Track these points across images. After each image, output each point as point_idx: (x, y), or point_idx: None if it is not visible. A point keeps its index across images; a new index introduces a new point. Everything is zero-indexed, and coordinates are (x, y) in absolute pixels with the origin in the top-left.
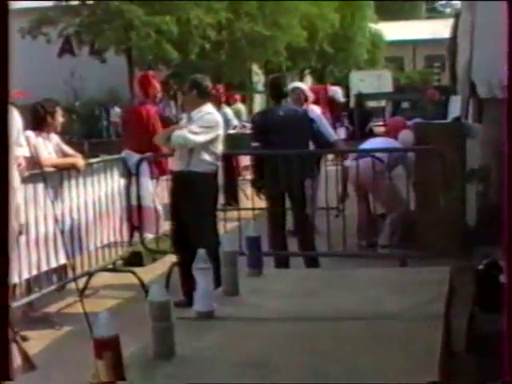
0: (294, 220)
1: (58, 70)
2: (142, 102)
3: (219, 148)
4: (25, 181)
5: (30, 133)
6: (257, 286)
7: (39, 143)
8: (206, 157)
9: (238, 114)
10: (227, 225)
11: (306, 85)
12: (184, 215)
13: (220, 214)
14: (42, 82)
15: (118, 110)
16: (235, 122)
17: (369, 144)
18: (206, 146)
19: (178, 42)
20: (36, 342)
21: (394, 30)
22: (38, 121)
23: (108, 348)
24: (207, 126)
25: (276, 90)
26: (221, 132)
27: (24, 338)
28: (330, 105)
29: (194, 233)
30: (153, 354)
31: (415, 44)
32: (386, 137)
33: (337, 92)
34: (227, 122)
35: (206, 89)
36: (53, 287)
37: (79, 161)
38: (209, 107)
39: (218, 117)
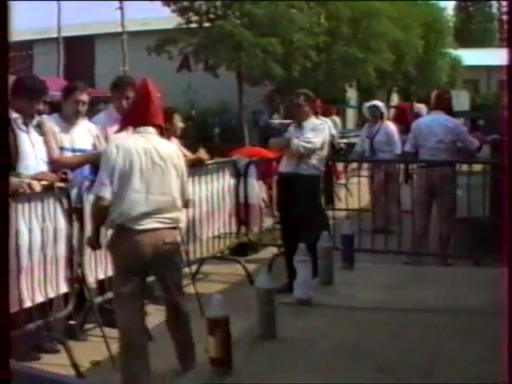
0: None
1: (177, 83)
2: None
3: (324, 153)
4: None
5: None
6: (349, 278)
7: None
8: (314, 161)
9: (334, 125)
10: None
11: (391, 103)
12: (290, 212)
13: None
14: (163, 93)
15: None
16: (333, 131)
17: None
18: (315, 152)
19: (282, 60)
20: (154, 317)
21: (470, 56)
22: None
23: (219, 326)
24: (318, 134)
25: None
26: (327, 139)
27: (145, 313)
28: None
29: (297, 228)
30: (257, 334)
31: (489, 69)
32: None
33: (421, 109)
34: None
35: (312, 101)
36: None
37: (203, 155)
38: (314, 118)
39: (325, 126)
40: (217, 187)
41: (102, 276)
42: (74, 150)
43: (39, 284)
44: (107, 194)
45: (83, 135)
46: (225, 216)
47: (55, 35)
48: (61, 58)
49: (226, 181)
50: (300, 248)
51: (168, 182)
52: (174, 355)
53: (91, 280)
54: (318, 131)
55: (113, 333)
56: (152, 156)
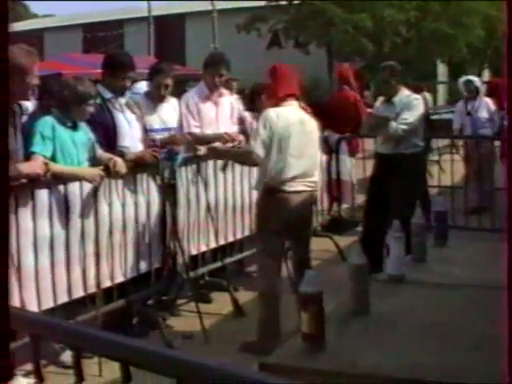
0: None
1: (267, 60)
2: (340, 90)
3: (422, 129)
4: None
5: (246, 113)
6: (442, 255)
7: (253, 123)
8: (414, 139)
9: (425, 102)
10: None
11: (483, 78)
12: (388, 191)
13: None
14: (253, 70)
15: None
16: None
17: None
18: (414, 129)
19: (373, 36)
20: (246, 293)
21: None
22: (250, 102)
23: (312, 302)
24: (414, 112)
25: None
26: (422, 114)
27: (235, 289)
28: None
29: (396, 206)
30: (350, 310)
31: None
32: None
33: None
34: None
35: (400, 74)
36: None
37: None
38: (405, 91)
39: (420, 102)
40: None
41: (194, 251)
42: (163, 130)
43: (132, 259)
44: (261, 153)
45: (170, 113)
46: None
47: (145, 14)
48: (151, 37)
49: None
50: (395, 224)
51: (314, 149)
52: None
53: (184, 256)
54: (414, 108)
55: (205, 307)
56: (303, 125)
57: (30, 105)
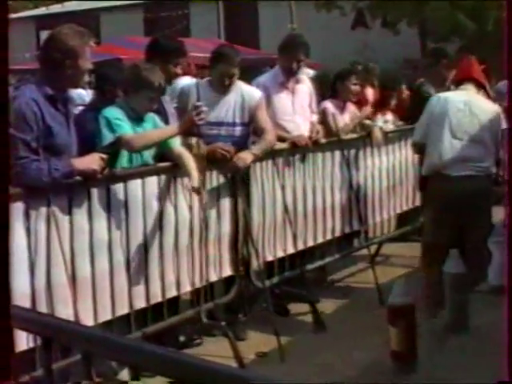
0: None
1: (351, 42)
2: None
3: None
4: (322, 148)
5: (328, 103)
6: None
7: (336, 114)
8: None
9: None
10: None
11: None
12: None
13: None
14: (336, 53)
15: None
16: None
17: None
18: None
19: (474, 13)
20: (328, 304)
21: None
22: (331, 89)
23: (402, 316)
24: None
25: None
26: None
27: (316, 300)
28: None
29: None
30: (445, 324)
31: None
32: None
33: None
34: None
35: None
36: (345, 252)
37: (376, 132)
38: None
39: None
40: (399, 158)
41: (270, 257)
42: (221, 124)
43: (200, 266)
44: (417, 138)
45: (235, 105)
46: (408, 191)
47: None
48: (221, 17)
49: (409, 150)
50: (496, 228)
51: (480, 133)
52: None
53: (258, 262)
54: None
55: (282, 321)
56: (470, 107)
57: (86, 94)
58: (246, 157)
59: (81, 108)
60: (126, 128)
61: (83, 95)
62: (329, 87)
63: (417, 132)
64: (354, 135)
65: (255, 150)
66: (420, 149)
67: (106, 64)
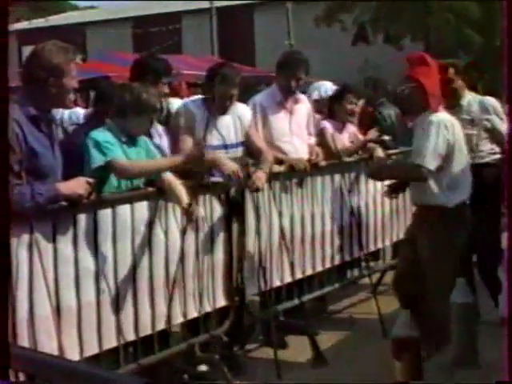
0: None
1: (352, 58)
2: None
3: None
4: (321, 172)
5: (326, 123)
6: None
7: (335, 134)
8: None
9: None
10: None
11: None
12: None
13: None
14: (336, 70)
15: None
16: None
17: None
18: None
19: (481, 26)
20: (328, 336)
21: None
22: (328, 110)
23: (407, 349)
24: None
25: None
26: None
27: (315, 332)
28: None
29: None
30: (453, 358)
31: None
32: None
33: None
34: None
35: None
36: (345, 282)
37: (378, 151)
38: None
39: None
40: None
41: (266, 287)
42: (226, 147)
43: (193, 296)
44: (432, 166)
45: (234, 126)
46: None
47: (207, 5)
48: (214, 32)
49: None
50: (505, 255)
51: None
52: None
53: (253, 291)
54: None
55: (280, 354)
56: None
57: (81, 113)
58: (262, 176)
59: (74, 127)
60: (117, 152)
61: (78, 114)
62: (327, 107)
63: (429, 157)
64: (355, 157)
65: (265, 169)
66: (427, 177)
67: (93, 81)
